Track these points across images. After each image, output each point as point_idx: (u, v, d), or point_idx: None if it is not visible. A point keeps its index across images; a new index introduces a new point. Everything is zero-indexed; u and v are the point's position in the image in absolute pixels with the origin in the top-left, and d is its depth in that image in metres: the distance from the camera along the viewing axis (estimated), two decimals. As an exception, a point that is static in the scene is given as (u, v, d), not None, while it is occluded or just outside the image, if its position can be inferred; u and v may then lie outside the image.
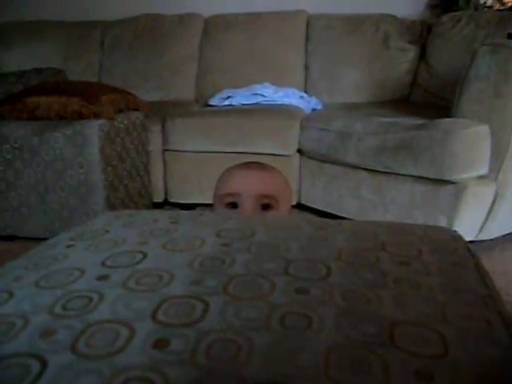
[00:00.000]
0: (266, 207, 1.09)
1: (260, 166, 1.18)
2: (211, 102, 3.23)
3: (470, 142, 2.08)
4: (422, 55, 3.28)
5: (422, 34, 3.32)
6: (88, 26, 3.92)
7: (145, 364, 0.38)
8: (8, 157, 2.47)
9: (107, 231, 0.68)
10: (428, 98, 3.12)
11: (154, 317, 0.43)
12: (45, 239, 0.72)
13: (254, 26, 3.60)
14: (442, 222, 2.17)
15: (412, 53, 3.30)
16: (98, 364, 0.38)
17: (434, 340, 0.42)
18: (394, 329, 0.42)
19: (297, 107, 3.02)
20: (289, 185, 1.22)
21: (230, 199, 1.09)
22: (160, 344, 0.40)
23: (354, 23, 3.44)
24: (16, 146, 2.44)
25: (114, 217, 0.77)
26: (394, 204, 2.37)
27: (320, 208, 2.72)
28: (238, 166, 1.18)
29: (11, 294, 0.50)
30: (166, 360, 0.38)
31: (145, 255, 0.57)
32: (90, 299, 0.47)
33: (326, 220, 0.74)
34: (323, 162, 2.67)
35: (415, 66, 3.29)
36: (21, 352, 0.41)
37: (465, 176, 2.10)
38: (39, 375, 0.37)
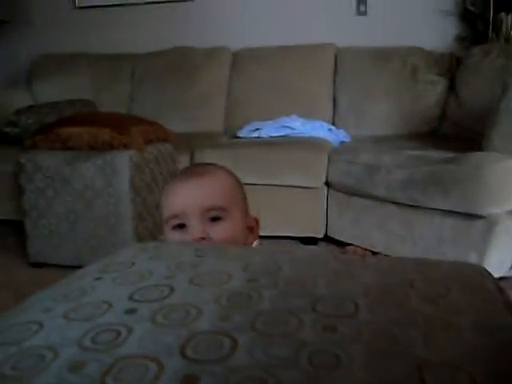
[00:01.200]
0: (215, 219, 1.00)
1: (200, 172, 1.06)
2: (240, 134, 3.25)
3: (502, 176, 2.06)
4: (451, 88, 3.27)
5: (450, 67, 3.32)
6: (119, 59, 4.01)
7: None
8: (40, 185, 2.51)
9: (133, 263, 0.68)
10: (457, 131, 3.11)
11: (182, 352, 0.43)
12: (73, 267, 0.73)
13: (282, 58, 3.64)
14: (472, 258, 2.14)
15: (441, 85, 3.29)
16: None
17: (465, 383, 0.41)
18: (424, 370, 0.42)
19: (325, 140, 3.03)
20: (239, 184, 1.12)
21: (175, 222, 1.01)
22: (188, 380, 0.40)
23: (382, 56, 3.45)
24: (48, 175, 2.48)
25: (140, 249, 0.77)
26: (423, 238, 2.35)
27: (347, 241, 2.70)
28: (178, 179, 1.07)
29: (41, 326, 0.51)
30: (194, 398, 0.38)
31: (172, 289, 0.57)
32: (119, 333, 0.47)
33: (353, 257, 0.74)
34: (351, 194, 2.67)
35: (444, 99, 3.28)
36: None
37: (496, 211, 2.07)
38: None
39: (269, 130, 3.17)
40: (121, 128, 2.51)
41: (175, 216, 1.01)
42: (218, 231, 0.99)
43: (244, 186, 2.82)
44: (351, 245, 0.98)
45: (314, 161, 2.75)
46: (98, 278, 0.64)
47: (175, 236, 1.01)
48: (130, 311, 0.52)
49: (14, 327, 0.52)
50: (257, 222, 1.12)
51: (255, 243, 1.10)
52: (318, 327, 0.48)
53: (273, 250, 0.76)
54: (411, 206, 2.38)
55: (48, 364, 0.43)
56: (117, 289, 0.59)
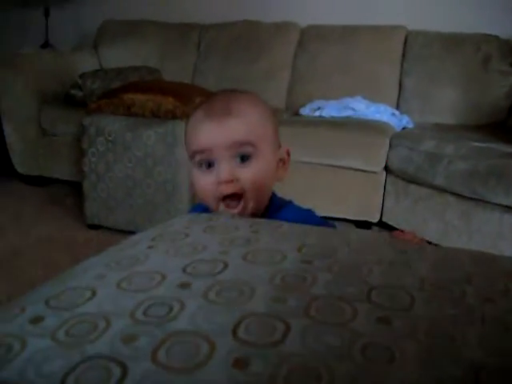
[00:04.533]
0: (244, 158, 0.92)
1: (227, 106, 0.95)
2: (301, 112, 3.23)
3: None
4: (525, 80, 3.16)
5: (526, 58, 3.19)
6: (186, 28, 4.01)
7: (225, 383, 0.38)
8: (101, 149, 2.55)
9: (187, 235, 0.68)
10: (526, 126, 3.00)
11: (234, 333, 0.43)
12: (128, 232, 0.74)
13: (350, 38, 3.57)
14: (530, 256, 2.08)
15: (514, 76, 3.18)
16: (178, 377, 0.38)
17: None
18: (480, 373, 0.40)
19: (387, 124, 2.98)
20: (270, 116, 1.01)
21: (201, 157, 0.94)
22: (240, 363, 0.39)
23: (454, 42, 3.35)
24: (110, 139, 2.52)
25: (193, 220, 0.77)
26: (480, 233, 2.29)
27: (402, 228, 2.66)
28: (203, 113, 0.97)
29: (94, 293, 0.51)
30: (245, 381, 0.38)
31: (226, 265, 0.57)
32: (171, 308, 0.47)
33: (409, 244, 0.73)
34: (410, 181, 2.62)
35: (515, 91, 3.17)
36: (103, 355, 0.41)
37: (559, 210, 2.01)
38: (120, 381, 0.38)
39: (331, 109, 3.13)
40: (184, 98, 2.53)
41: (201, 151, 0.93)
42: (248, 173, 0.92)
43: (302, 165, 2.80)
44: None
45: (374, 145, 2.71)
46: (151, 247, 0.64)
47: (200, 178, 0.95)
48: (183, 285, 0.52)
49: (67, 292, 0.53)
50: (288, 153, 1.04)
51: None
52: (371, 318, 0.47)
53: (327, 230, 0.75)
54: (471, 198, 2.32)
55: (101, 333, 0.44)
56: (170, 260, 0.59)
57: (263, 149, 0.94)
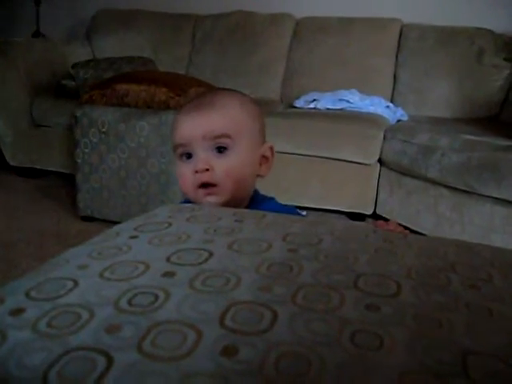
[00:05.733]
0: (221, 150, 0.96)
1: (211, 101, 1.00)
2: (296, 104, 3.23)
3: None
4: (518, 74, 3.16)
5: (519, 52, 3.19)
6: (181, 19, 4.00)
7: (213, 371, 0.37)
8: (94, 140, 2.54)
9: (170, 224, 0.68)
10: (520, 119, 3.01)
11: (221, 321, 0.43)
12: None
13: (345, 30, 3.58)
14: (522, 248, 2.09)
15: (507, 71, 3.18)
16: (164, 366, 0.38)
17: (507, 374, 0.39)
18: (467, 359, 0.40)
19: (382, 116, 2.98)
20: (254, 114, 1.03)
21: (181, 150, 0.98)
22: (228, 351, 0.39)
23: (448, 35, 3.36)
24: (103, 130, 2.51)
25: (177, 210, 0.77)
26: (472, 224, 2.30)
27: (396, 220, 2.67)
28: (187, 107, 1.02)
29: (76, 283, 0.50)
30: (234, 369, 0.37)
31: (211, 254, 0.56)
32: (156, 296, 0.47)
33: (392, 234, 0.73)
34: (403, 174, 2.63)
35: (508, 85, 3.18)
36: (87, 346, 0.40)
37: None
38: (105, 372, 0.37)
39: (326, 102, 3.13)
40: (178, 89, 2.52)
41: (181, 144, 0.98)
42: (223, 164, 0.95)
43: (296, 157, 2.79)
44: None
45: (369, 137, 2.71)
46: (134, 237, 0.63)
47: (181, 169, 0.99)
48: (168, 274, 0.51)
49: (48, 282, 0.51)
50: (272, 150, 1.05)
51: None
52: (360, 305, 0.46)
53: (311, 220, 0.75)
54: (463, 190, 2.33)
55: (84, 323, 0.43)
56: (153, 249, 0.59)
57: (241, 143, 0.97)
